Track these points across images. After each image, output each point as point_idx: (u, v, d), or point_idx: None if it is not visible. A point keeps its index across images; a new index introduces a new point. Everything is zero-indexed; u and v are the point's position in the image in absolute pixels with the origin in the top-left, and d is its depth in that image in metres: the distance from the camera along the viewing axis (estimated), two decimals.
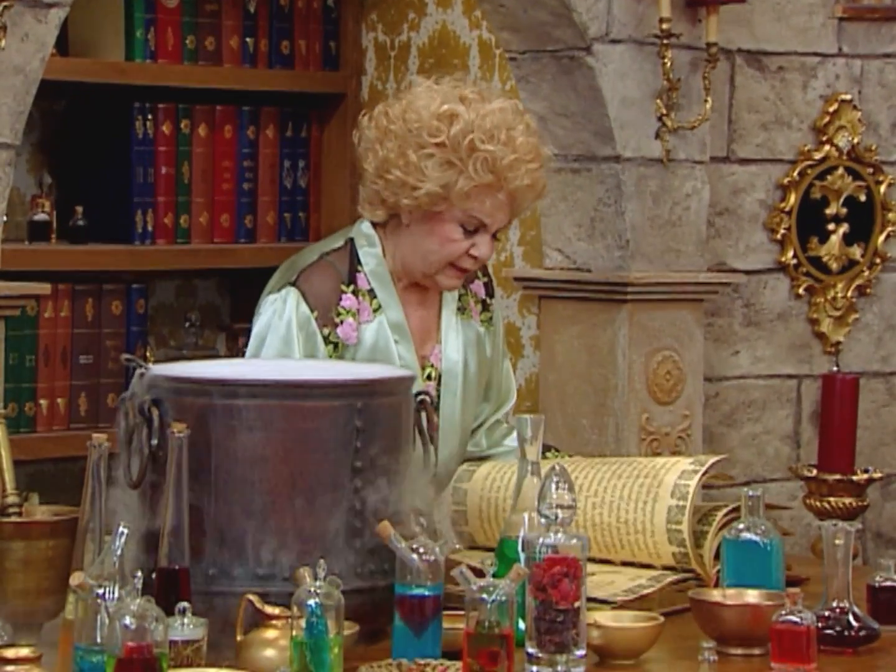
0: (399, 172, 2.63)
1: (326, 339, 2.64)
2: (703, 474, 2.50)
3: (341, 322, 2.66)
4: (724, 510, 2.53)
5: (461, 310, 2.77)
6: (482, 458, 2.77)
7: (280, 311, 2.63)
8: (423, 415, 2.34)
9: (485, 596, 2.04)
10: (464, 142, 2.60)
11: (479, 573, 2.07)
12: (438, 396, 2.71)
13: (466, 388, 2.74)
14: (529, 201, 2.69)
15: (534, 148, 2.64)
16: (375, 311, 2.68)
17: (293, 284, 2.65)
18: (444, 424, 2.70)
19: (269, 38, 4.25)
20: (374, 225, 2.71)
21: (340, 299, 2.66)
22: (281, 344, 2.62)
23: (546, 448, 2.75)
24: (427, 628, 2.12)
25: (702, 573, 2.49)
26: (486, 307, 2.81)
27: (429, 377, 2.71)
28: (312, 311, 2.63)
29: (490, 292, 2.83)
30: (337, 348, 2.64)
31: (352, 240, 2.72)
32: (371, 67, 4.40)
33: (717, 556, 2.49)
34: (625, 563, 2.52)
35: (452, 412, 2.72)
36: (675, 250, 3.75)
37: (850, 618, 2.30)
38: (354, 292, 2.67)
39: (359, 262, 2.69)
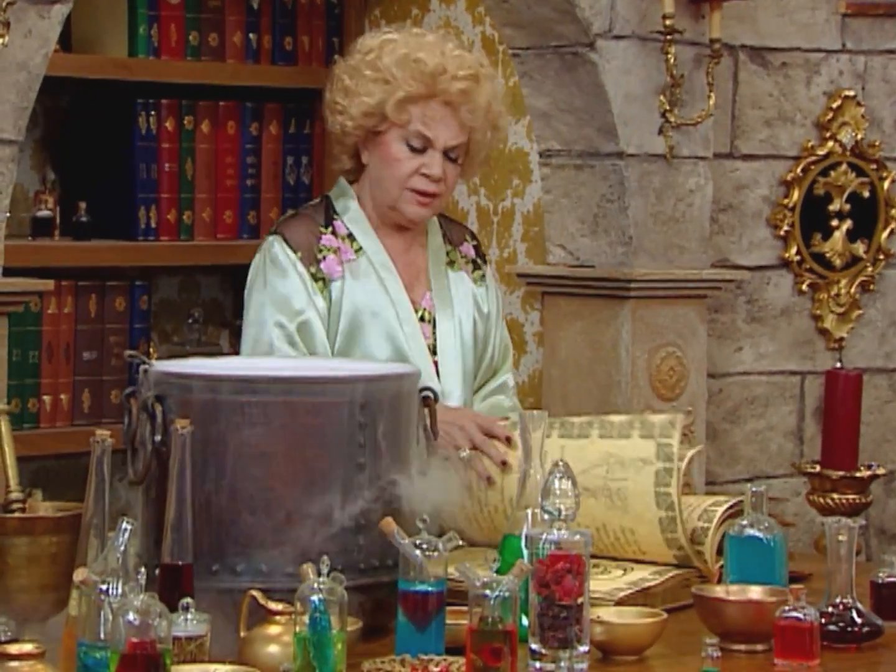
0: (340, 98, 2.71)
1: (314, 277, 2.70)
2: (681, 481, 2.50)
3: (324, 258, 2.71)
4: (724, 506, 2.53)
5: (450, 264, 2.81)
6: None
7: (268, 252, 2.71)
8: (427, 410, 2.34)
9: (488, 592, 2.04)
10: (395, 58, 2.67)
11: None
12: (435, 339, 2.73)
13: (462, 335, 2.77)
14: (478, 120, 2.71)
15: (469, 61, 2.71)
16: (357, 251, 2.74)
17: (273, 233, 2.75)
18: (443, 370, 2.71)
19: (272, 33, 4.25)
20: (350, 183, 2.79)
21: (320, 239, 2.73)
22: (279, 277, 2.69)
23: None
24: (430, 624, 2.12)
25: (704, 570, 2.49)
26: (477, 266, 2.85)
27: (422, 319, 2.74)
28: (296, 251, 2.71)
29: (480, 255, 2.87)
30: (326, 284, 2.70)
31: (327, 196, 2.81)
32: None
33: (719, 552, 2.49)
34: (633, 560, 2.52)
35: (454, 359, 2.73)
36: (679, 246, 3.75)
37: (854, 614, 2.30)
38: (333, 233, 2.74)
39: (335, 212, 2.77)
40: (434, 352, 2.74)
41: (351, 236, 2.74)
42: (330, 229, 2.74)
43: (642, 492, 2.47)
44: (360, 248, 2.73)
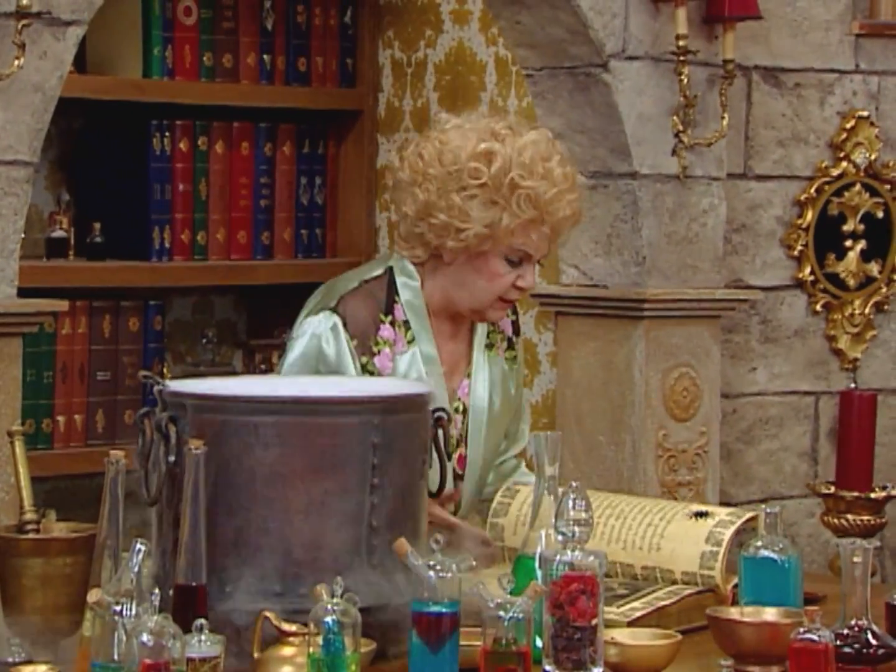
0: (443, 216, 2.63)
1: (364, 368, 2.65)
2: (740, 526, 2.51)
3: (379, 352, 2.67)
4: (733, 528, 2.53)
5: (489, 346, 2.79)
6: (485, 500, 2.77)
7: (325, 337, 2.63)
8: (440, 431, 2.34)
9: (502, 613, 2.04)
10: (505, 180, 2.62)
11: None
12: (466, 431, 2.72)
13: (491, 424, 2.75)
14: (569, 228, 2.71)
15: (571, 177, 2.67)
16: (410, 342, 2.69)
17: (333, 310, 2.65)
18: (470, 459, 2.72)
19: (286, 54, 4.26)
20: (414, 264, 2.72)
21: (379, 329, 2.67)
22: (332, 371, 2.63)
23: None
24: (444, 646, 2.12)
25: (719, 578, 2.48)
26: (510, 345, 2.83)
27: (456, 410, 2.72)
28: (352, 338, 2.64)
29: (516, 330, 2.84)
30: (372, 376, 2.65)
31: (391, 269, 2.72)
32: (388, 84, 4.40)
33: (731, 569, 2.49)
34: (644, 569, 2.52)
35: (477, 447, 2.73)
36: (692, 267, 3.74)
37: (869, 636, 2.29)
38: (392, 323, 2.69)
39: (396, 293, 2.70)
40: (464, 441, 2.73)
41: (407, 324, 2.69)
42: (389, 318, 2.68)
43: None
44: (413, 340, 2.69)
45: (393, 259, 2.74)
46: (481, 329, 2.77)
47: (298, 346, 2.66)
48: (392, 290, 2.70)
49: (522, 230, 2.64)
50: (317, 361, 2.64)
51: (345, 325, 2.64)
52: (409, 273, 2.71)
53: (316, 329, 2.64)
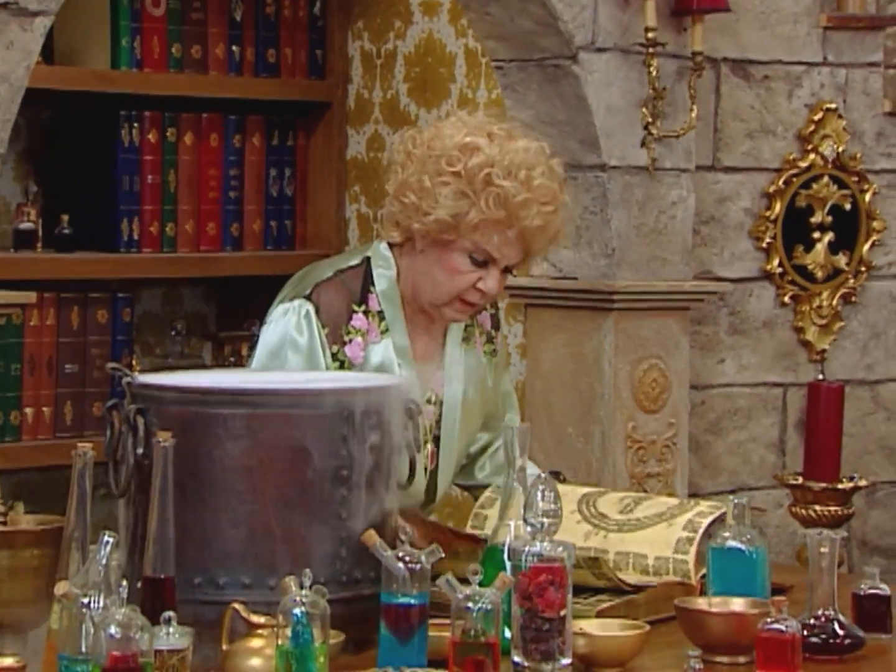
0: (413, 196, 2.63)
1: (334, 357, 2.64)
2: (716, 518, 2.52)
3: (350, 341, 2.66)
4: (710, 518, 2.54)
5: (466, 339, 2.78)
6: (481, 487, 2.77)
7: (295, 324, 2.63)
8: (410, 423, 2.34)
9: (470, 604, 2.04)
10: (480, 174, 2.60)
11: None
12: (439, 423, 2.72)
13: (465, 418, 2.75)
14: (543, 244, 2.67)
15: (551, 191, 2.63)
16: (383, 332, 2.68)
17: (307, 298, 2.65)
18: (444, 452, 2.71)
19: (255, 46, 4.25)
20: (391, 246, 2.71)
21: (351, 318, 2.67)
22: (304, 360, 2.62)
23: (555, 474, 2.77)
24: (413, 637, 2.12)
25: (691, 564, 2.49)
26: (490, 339, 2.81)
27: (428, 401, 2.71)
28: (324, 327, 2.64)
29: (495, 324, 2.83)
30: (343, 366, 2.65)
31: (368, 259, 2.72)
32: (357, 76, 4.40)
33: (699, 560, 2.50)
34: (617, 554, 2.52)
35: (451, 440, 2.73)
36: (661, 259, 3.75)
37: (836, 626, 2.30)
38: (365, 312, 2.68)
39: (372, 283, 2.69)
40: (435, 437, 2.72)
41: (381, 314, 2.68)
42: (363, 307, 2.67)
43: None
44: (387, 330, 2.67)
45: (371, 248, 2.73)
46: (457, 324, 2.76)
47: (270, 331, 2.66)
48: (368, 280, 2.69)
49: (486, 229, 2.61)
50: (288, 347, 2.63)
51: (317, 312, 2.64)
52: (386, 261, 2.71)
53: (289, 316, 2.64)
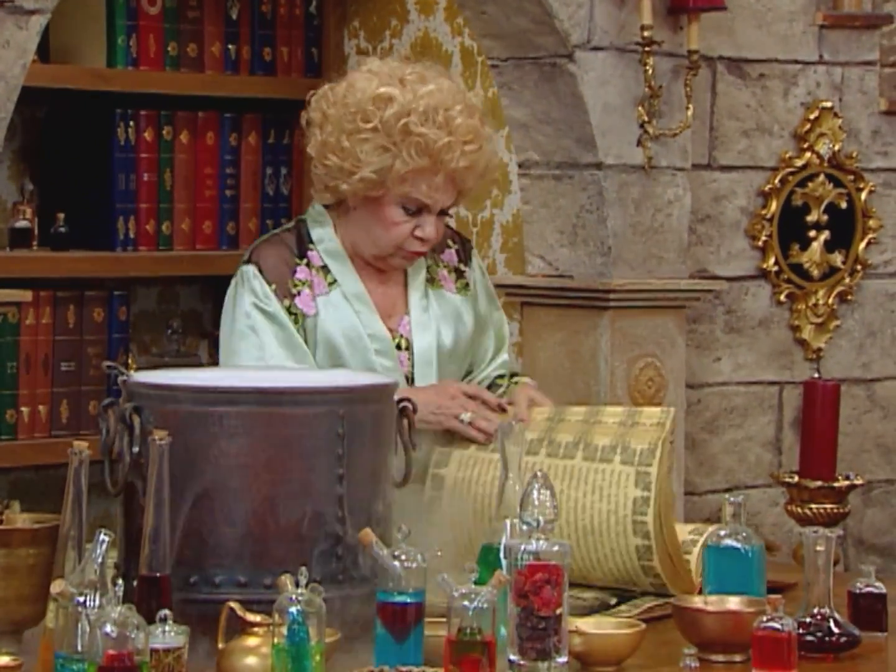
0: (335, 158, 2.62)
1: (288, 311, 2.64)
2: (660, 456, 2.49)
3: (298, 293, 2.66)
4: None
5: (430, 281, 2.75)
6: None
7: (247, 285, 2.64)
8: (405, 421, 2.34)
9: (466, 603, 2.04)
10: (397, 125, 2.58)
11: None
12: (412, 368, 2.70)
13: (443, 362, 2.71)
14: (473, 181, 2.65)
15: (472, 129, 2.60)
16: (330, 284, 2.67)
17: (247, 262, 2.67)
18: None
19: (251, 44, 4.25)
20: (327, 207, 2.71)
21: (295, 271, 2.67)
22: (268, 320, 2.63)
23: (513, 375, 2.77)
24: (409, 635, 2.12)
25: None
26: (460, 275, 2.78)
27: (398, 346, 2.69)
28: (270, 284, 2.64)
29: (463, 258, 2.79)
30: (298, 319, 2.65)
31: (303, 220, 2.73)
32: None
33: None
34: (603, 588, 2.51)
35: (430, 382, 2.70)
36: (657, 257, 3.75)
37: (831, 624, 2.30)
38: (308, 265, 2.67)
39: (310, 241, 2.69)
40: (412, 381, 2.69)
41: (325, 268, 2.67)
42: (305, 261, 2.67)
43: (619, 520, 2.47)
44: (335, 282, 2.66)
45: (307, 212, 2.74)
46: (416, 266, 2.73)
47: (227, 300, 2.68)
48: (305, 237, 2.69)
49: (414, 178, 2.59)
50: (240, 309, 2.64)
51: (260, 271, 2.65)
52: (322, 220, 2.70)
53: (238, 281, 2.66)
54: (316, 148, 2.65)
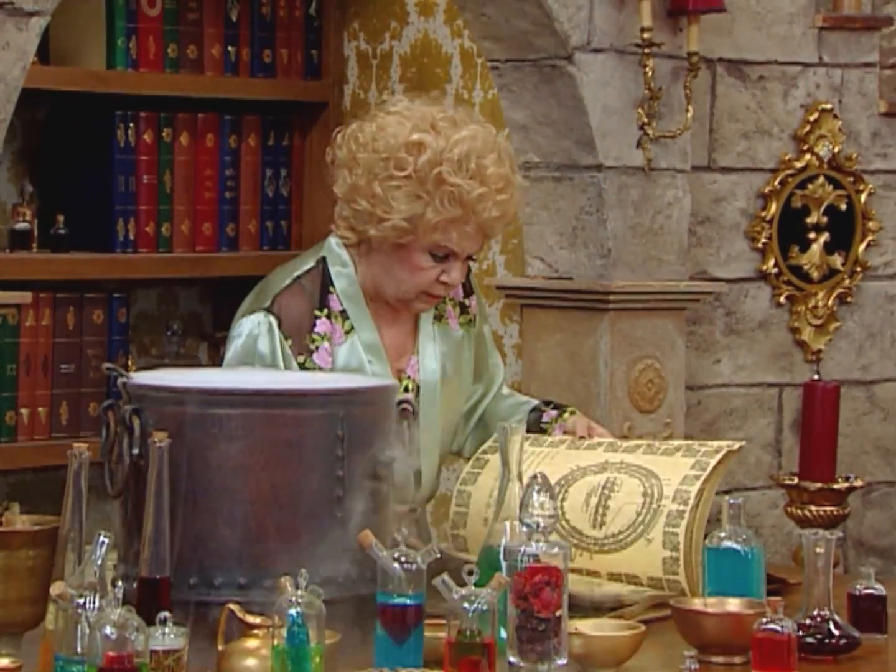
0: (366, 203, 2.60)
1: (302, 366, 2.61)
2: (705, 480, 2.51)
3: (317, 348, 2.64)
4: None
5: (438, 318, 2.76)
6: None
7: (260, 338, 2.60)
8: (405, 423, 2.34)
9: (466, 605, 2.04)
10: (431, 174, 2.56)
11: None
12: (417, 410, 2.69)
13: (445, 396, 2.73)
14: (500, 228, 2.66)
15: (504, 178, 2.60)
16: (347, 332, 2.65)
17: (268, 311, 2.62)
18: (425, 435, 2.69)
19: (251, 46, 4.25)
20: (346, 244, 2.69)
21: (314, 325, 2.64)
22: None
23: (557, 407, 2.78)
24: (408, 637, 2.12)
25: (685, 583, 2.48)
26: (464, 309, 2.79)
27: (406, 389, 2.69)
28: (287, 338, 2.61)
29: (468, 291, 2.80)
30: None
31: (324, 259, 2.69)
32: (353, 76, 4.40)
33: None
34: (611, 576, 2.52)
35: (433, 421, 2.71)
36: (657, 259, 3.75)
37: (831, 626, 2.30)
38: (328, 316, 2.65)
39: (331, 283, 2.67)
40: (416, 414, 2.70)
41: (343, 313, 2.65)
42: (325, 311, 2.64)
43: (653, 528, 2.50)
44: (352, 329, 2.65)
45: (325, 247, 2.70)
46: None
47: (234, 347, 2.63)
48: (326, 281, 2.66)
49: (445, 227, 2.58)
50: (253, 360, 2.60)
51: (280, 325, 2.61)
52: (343, 260, 2.67)
53: (251, 330, 2.61)
54: (344, 190, 2.63)
